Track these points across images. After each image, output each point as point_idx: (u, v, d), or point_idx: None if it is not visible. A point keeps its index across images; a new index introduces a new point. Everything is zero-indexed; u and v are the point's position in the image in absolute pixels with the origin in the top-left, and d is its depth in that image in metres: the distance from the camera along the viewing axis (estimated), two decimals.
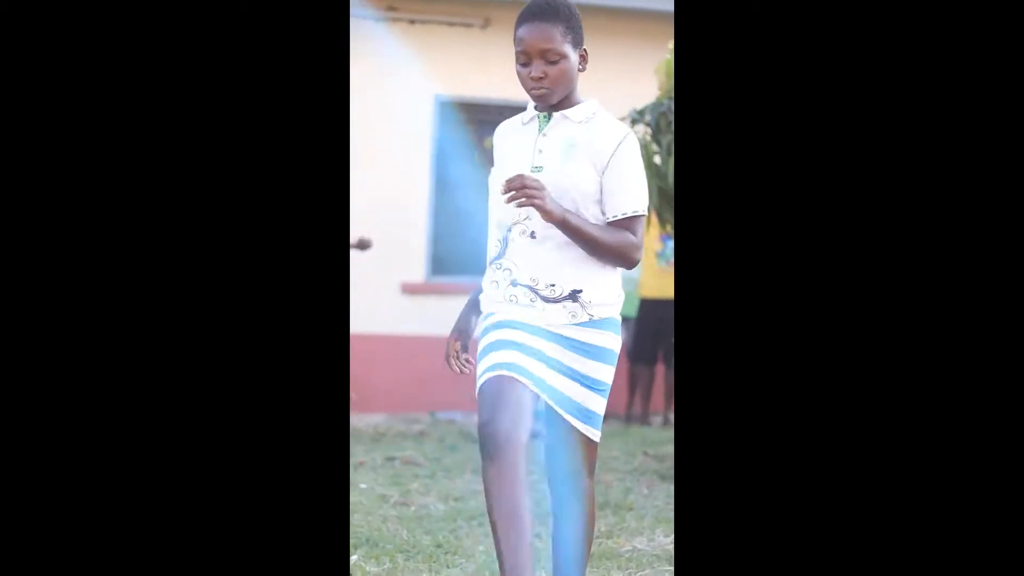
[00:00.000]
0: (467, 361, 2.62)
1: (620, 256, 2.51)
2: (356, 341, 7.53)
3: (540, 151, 2.53)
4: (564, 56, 2.50)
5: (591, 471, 2.57)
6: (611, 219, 2.51)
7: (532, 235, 2.50)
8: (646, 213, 2.54)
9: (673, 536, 3.75)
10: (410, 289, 7.63)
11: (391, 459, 5.45)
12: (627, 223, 2.51)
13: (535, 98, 2.54)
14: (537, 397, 2.47)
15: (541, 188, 2.41)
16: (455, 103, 7.86)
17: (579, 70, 2.55)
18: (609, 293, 2.55)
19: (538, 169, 2.50)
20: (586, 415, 2.52)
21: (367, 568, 3.33)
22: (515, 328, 2.50)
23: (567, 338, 2.51)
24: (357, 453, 5.63)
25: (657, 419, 7.29)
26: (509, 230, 2.53)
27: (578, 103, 2.57)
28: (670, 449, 5.92)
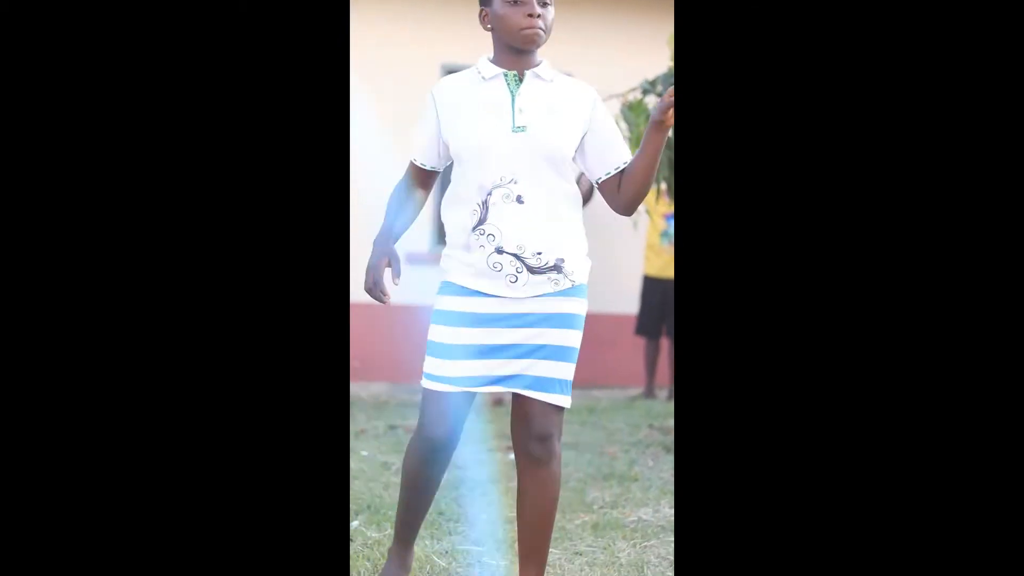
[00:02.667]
0: (384, 294, 2.60)
1: (644, 192, 2.49)
2: (359, 310, 7.52)
3: (521, 111, 2.45)
4: (552, 2, 2.46)
5: (559, 435, 2.56)
6: (608, 174, 2.49)
7: (519, 199, 2.44)
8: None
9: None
10: (414, 259, 7.59)
11: (393, 427, 5.42)
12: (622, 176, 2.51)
13: (526, 39, 2.44)
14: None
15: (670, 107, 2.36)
16: (460, 70, 7.81)
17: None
18: (584, 258, 2.54)
19: (521, 129, 2.43)
20: (555, 385, 2.50)
21: (368, 533, 3.30)
22: (470, 325, 2.46)
23: (536, 314, 2.47)
24: (359, 421, 5.60)
25: (663, 393, 7.28)
26: (490, 193, 2.45)
27: (540, 61, 2.52)
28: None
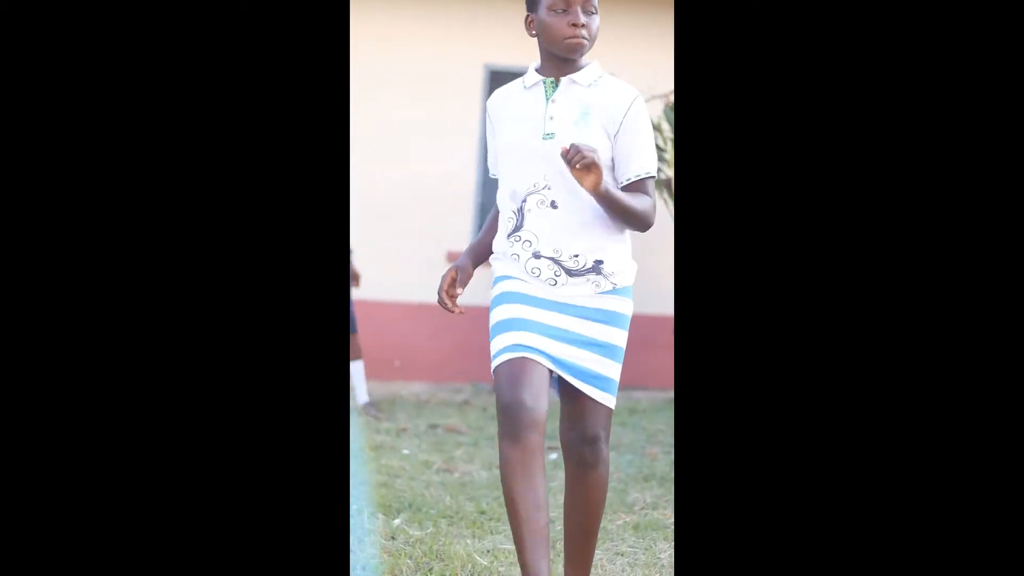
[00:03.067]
0: (454, 301, 2.57)
1: (642, 221, 2.45)
2: (401, 309, 7.56)
3: (551, 118, 2.45)
4: (597, 11, 2.47)
5: (607, 438, 2.53)
6: (624, 182, 2.46)
7: (553, 204, 2.44)
8: (653, 175, 2.50)
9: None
10: (456, 258, 7.62)
11: (434, 426, 5.45)
12: (640, 185, 2.46)
13: (570, 48, 2.44)
14: (551, 372, 2.44)
15: (593, 154, 2.32)
16: (505, 72, 7.81)
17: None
18: (627, 260, 2.53)
19: (550, 136, 2.43)
20: (603, 383, 2.49)
21: (410, 532, 3.32)
22: (527, 303, 2.45)
23: (585, 307, 2.47)
24: (400, 420, 5.63)
25: None
26: (524, 200, 2.45)
27: (583, 66, 2.51)
28: None
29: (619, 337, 2.50)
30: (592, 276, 2.46)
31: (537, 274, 2.46)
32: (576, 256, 2.45)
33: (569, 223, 2.44)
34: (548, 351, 2.43)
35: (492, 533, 3.35)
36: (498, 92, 2.60)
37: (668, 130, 5.49)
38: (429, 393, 6.89)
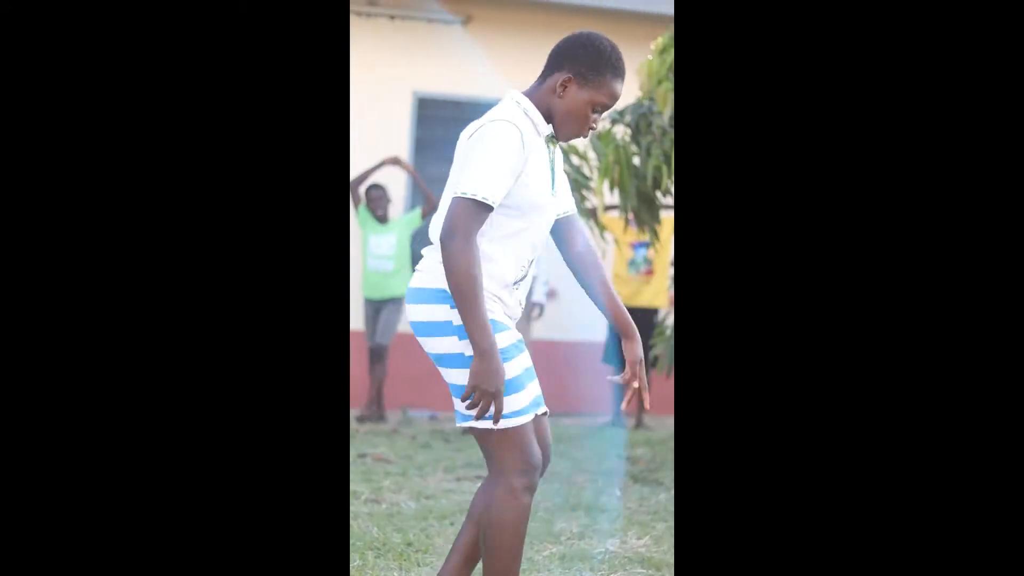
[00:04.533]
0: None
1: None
2: None
3: (555, 175, 2.53)
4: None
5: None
6: (564, 214, 2.62)
7: (534, 262, 2.57)
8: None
9: (647, 539, 3.75)
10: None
11: (362, 456, 5.42)
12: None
13: (575, 136, 2.52)
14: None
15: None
16: (433, 99, 7.83)
17: None
18: None
19: (554, 193, 2.51)
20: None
21: None
22: (522, 351, 2.50)
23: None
24: None
25: (630, 421, 7.30)
26: (536, 252, 2.53)
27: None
28: (643, 451, 5.92)
29: None
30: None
31: (514, 319, 2.54)
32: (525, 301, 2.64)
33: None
34: (538, 394, 2.54)
35: (419, 565, 3.34)
36: (522, 122, 2.42)
37: (594, 158, 5.55)
38: (357, 422, 6.86)
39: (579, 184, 5.53)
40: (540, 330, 6.85)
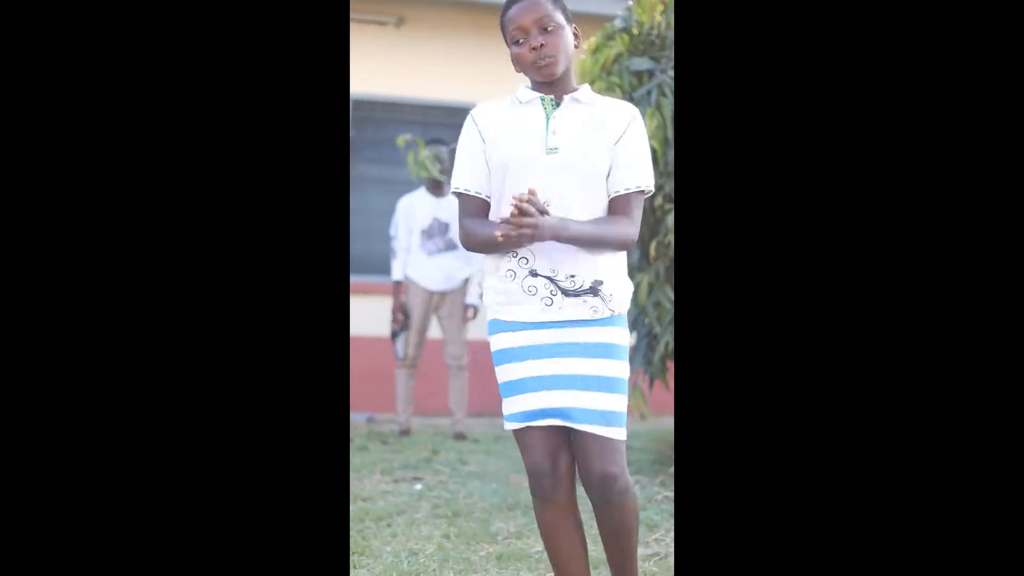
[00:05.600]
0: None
1: (620, 243, 2.45)
2: None
3: (554, 132, 2.45)
4: (560, 26, 2.47)
5: (625, 469, 2.48)
6: (614, 194, 2.47)
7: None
8: (650, 191, 2.50)
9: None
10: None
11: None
12: (627, 199, 2.46)
13: (539, 71, 2.46)
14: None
15: (535, 222, 2.33)
16: (368, 101, 7.81)
17: (575, 47, 2.52)
18: (624, 284, 2.51)
19: (554, 150, 2.43)
20: (611, 418, 2.44)
21: None
22: (529, 357, 2.45)
23: (585, 344, 2.44)
24: None
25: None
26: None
27: (575, 88, 2.53)
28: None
29: (620, 369, 2.47)
30: (589, 298, 2.45)
31: (533, 292, 2.44)
32: (573, 276, 2.44)
33: (565, 244, 2.43)
34: (553, 405, 2.44)
35: (356, 567, 3.33)
36: (486, 106, 2.55)
37: None
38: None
39: None
40: (476, 331, 6.85)
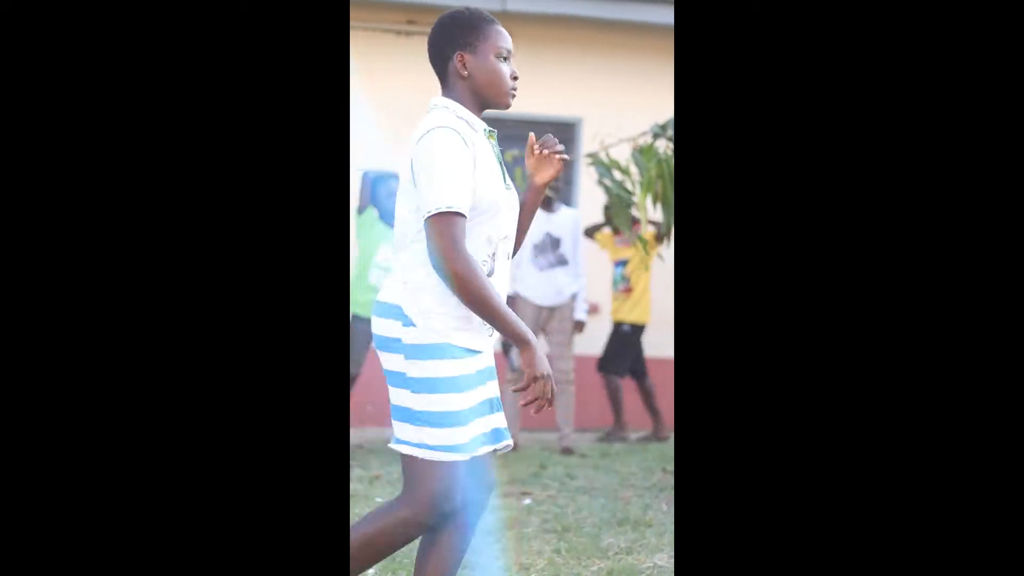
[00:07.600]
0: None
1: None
2: (374, 351, 7.50)
3: (503, 170, 2.44)
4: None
5: None
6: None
7: (508, 255, 2.44)
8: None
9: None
10: None
11: None
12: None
13: (508, 98, 2.43)
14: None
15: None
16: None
17: None
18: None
19: (509, 187, 2.43)
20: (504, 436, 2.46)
21: None
22: (487, 380, 2.41)
23: (493, 367, 2.46)
24: (372, 467, 5.59)
25: (673, 435, 7.26)
26: (496, 246, 2.39)
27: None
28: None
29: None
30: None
31: (486, 325, 2.36)
32: None
33: (509, 272, 2.48)
34: (491, 429, 2.40)
35: None
36: (458, 123, 2.34)
37: (636, 173, 5.51)
38: None
39: (622, 199, 5.49)
40: (581, 345, 6.83)
